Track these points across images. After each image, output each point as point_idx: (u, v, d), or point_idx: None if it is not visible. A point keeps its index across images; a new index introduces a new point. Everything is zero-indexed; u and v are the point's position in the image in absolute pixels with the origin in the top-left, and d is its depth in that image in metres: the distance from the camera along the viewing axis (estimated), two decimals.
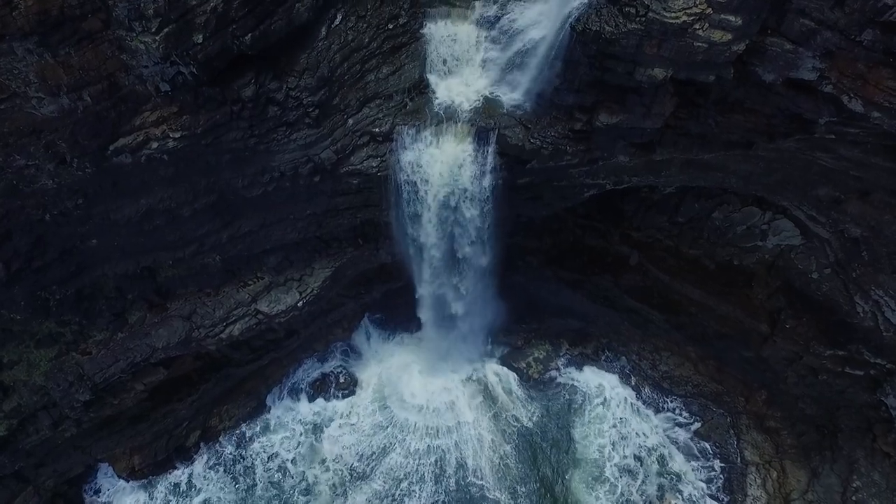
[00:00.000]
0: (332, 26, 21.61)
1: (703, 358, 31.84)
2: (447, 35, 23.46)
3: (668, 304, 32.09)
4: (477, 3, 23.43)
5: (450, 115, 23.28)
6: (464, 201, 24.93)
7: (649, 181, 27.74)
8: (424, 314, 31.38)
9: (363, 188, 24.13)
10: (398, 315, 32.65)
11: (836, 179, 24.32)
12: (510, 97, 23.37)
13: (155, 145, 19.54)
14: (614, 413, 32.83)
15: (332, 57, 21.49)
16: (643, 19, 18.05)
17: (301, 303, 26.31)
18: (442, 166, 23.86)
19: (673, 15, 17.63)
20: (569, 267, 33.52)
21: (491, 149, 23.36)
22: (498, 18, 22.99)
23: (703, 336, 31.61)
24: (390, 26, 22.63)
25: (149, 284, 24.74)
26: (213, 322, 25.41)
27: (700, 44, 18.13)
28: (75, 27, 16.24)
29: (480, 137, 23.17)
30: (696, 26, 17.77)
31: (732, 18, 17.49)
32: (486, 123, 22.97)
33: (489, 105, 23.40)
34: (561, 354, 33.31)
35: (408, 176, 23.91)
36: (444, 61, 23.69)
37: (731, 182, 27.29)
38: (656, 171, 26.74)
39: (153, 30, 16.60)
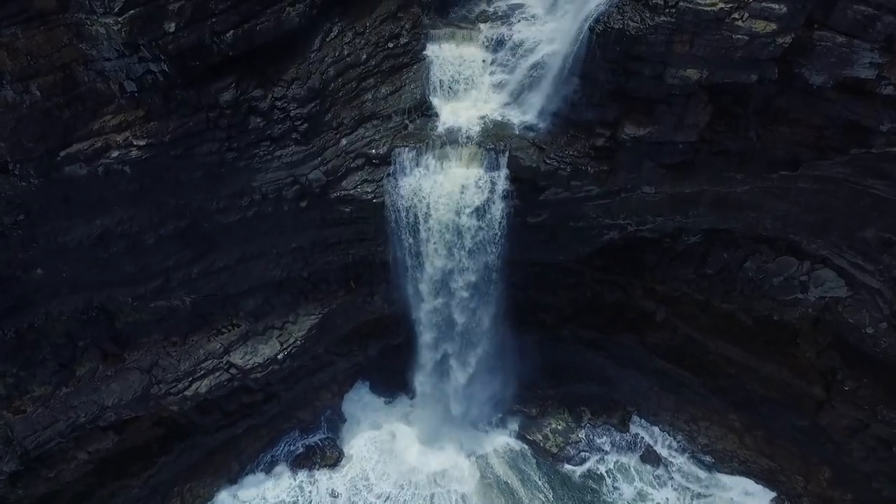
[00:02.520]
0: (327, 39, 19.81)
1: (749, 428, 27.47)
2: (452, 57, 21.76)
3: (703, 364, 28.34)
4: (483, 25, 21.98)
5: (454, 138, 20.99)
6: (472, 235, 22.00)
7: (675, 222, 25.19)
8: (424, 376, 27.49)
9: (356, 218, 21.31)
10: (396, 378, 28.67)
11: (890, 213, 21.44)
12: (522, 119, 21.23)
13: (115, 154, 16.94)
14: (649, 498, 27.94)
15: (325, 70, 19.49)
16: (673, 10, 16.03)
17: (281, 355, 22.63)
18: (446, 194, 21.19)
19: (708, 2, 15.61)
20: (587, 324, 30.11)
21: (501, 173, 20.81)
22: (506, 39, 21.36)
23: (746, 401, 27.51)
24: (390, 45, 20.91)
25: (105, 330, 21.26)
26: (177, 376, 21.62)
27: (739, 36, 15.99)
28: (24, 4, 14.14)
29: (490, 161, 20.69)
30: (735, 16, 15.71)
31: (776, 6, 15.45)
32: (495, 145, 20.58)
33: (499, 128, 21.20)
34: (582, 425, 28.93)
35: (407, 205, 21.18)
36: (449, 84, 21.84)
37: (767, 224, 24.68)
38: (683, 210, 24.32)
39: (116, 10, 14.48)
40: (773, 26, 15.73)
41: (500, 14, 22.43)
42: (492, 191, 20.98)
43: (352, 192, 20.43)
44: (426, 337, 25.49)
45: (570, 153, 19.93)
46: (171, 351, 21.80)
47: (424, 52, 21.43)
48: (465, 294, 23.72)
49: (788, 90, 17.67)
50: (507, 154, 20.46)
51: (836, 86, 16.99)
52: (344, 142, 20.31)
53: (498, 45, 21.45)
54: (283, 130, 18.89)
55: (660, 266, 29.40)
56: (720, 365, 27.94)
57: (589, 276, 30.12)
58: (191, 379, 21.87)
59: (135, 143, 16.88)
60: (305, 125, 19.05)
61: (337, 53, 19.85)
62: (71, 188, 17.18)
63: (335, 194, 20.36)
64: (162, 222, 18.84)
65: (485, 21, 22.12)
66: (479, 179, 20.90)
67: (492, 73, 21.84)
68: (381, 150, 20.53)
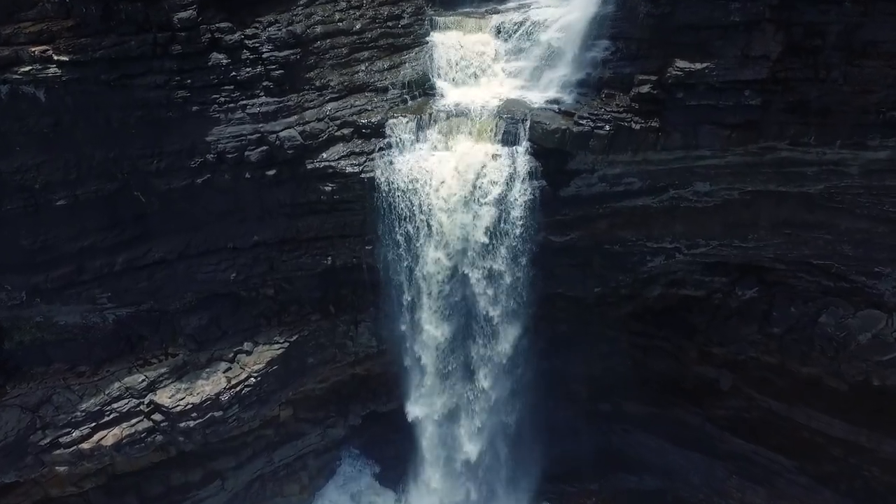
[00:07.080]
0: (318, 1, 17.23)
1: None
2: (459, 45, 19.12)
3: (797, 444, 21.80)
4: (494, 16, 19.75)
5: (464, 111, 17.45)
6: (486, 232, 17.29)
7: (733, 248, 21.01)
8: (424, 456, 20.54)
9: (339, 203, 16.79)
10: (388, 458, 21.63)
11: None
12: (543, 95, 17.77)
13: (27, 69, 13.09)
14: None
15: (311, 24, 16.57)
16: None
17: (227, 396, 16.42)
18: (454, 175, 16.96)
19: None
20: (634, 397, 24.06)
21: (522, 147, 16.81)
22: (520, 26, 18.90)
23: (868, 493, 20.38)
24: (389, 24, 18.43)
25: None
26: (73, 419, 15.24)
27: None
28: None
29: (508, 131, 16.83)
30: None
31: None
32: (513, 114, 16.90)
33: (516, 105, 17.66)
34: None
35: (403, 190, 16.82)
36: (456, 72, 18.90)
37: (845, 249, 20.36)
38: (741, 234, 20.15)
39: None
40: None
41: (512, 8, 20.35)
42: (511, 169, 16.76)
43: (334, 164, 16.19)
44: (424, 391, 19.24)
45: (609, 110, 16.05)
46: (74, 384, 15.69)
47: (429, 38, 18.86)
48: (478, 319, 18.22)
49: (875, 13, 14.35)
50: (528, 122, 16.66)
51: None
52: (329, 107, 16.64)
53: (511, 32, 18.90)
54: (253, 75, 15.27)
55: (713, 326, 24.48)
56: (819, 444, 21.36)
57: (626, 340, 24.87)
58: (93, 424, 15.43)
59: (55, 57, 13.13)
60: (280, 71, 15.49)
61: (327, 15, 17.10)
62: None
63: (313, 165, 16.08)
64: (81, 180, 14.30)
65: (495, 13, 19.94)
66: (496, 156, 16.82)
67: (506, 61, 19.00)
68: (374, 120, 16.80)
